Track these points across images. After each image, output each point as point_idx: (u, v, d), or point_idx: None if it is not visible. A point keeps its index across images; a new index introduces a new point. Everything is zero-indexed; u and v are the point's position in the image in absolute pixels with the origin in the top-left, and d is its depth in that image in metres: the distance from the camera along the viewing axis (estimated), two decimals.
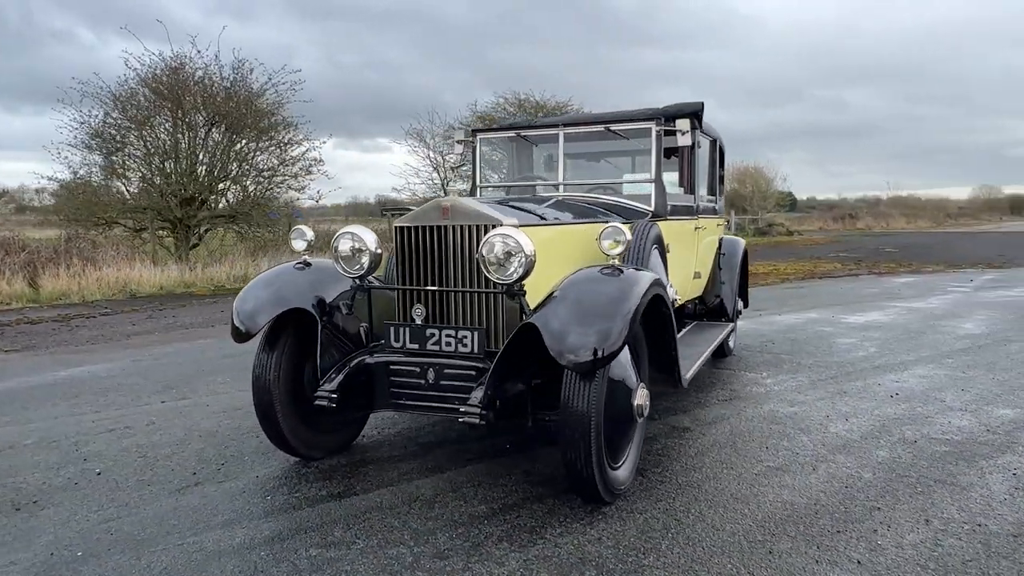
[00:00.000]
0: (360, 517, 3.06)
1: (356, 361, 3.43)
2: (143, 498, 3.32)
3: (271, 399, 3.46)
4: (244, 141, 16.54)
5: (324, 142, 23.66)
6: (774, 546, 2.75)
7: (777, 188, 40.96)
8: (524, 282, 3.11)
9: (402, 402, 3.36)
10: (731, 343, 6.26)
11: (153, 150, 15.84)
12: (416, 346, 3.34)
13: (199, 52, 16.36)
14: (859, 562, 2.62)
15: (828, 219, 46.54)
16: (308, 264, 3.74)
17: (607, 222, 3.75)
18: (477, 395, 3.03)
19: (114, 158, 15.73)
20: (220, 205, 17.00)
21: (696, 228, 5.41)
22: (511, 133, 5.45)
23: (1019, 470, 3.51)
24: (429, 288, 3.42)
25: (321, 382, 3.37)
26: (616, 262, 3.20)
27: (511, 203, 3.89)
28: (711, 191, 5.97)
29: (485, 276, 3.18)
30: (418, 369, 3.28)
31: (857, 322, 8.20)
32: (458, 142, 5.60)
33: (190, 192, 15.69)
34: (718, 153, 6.09)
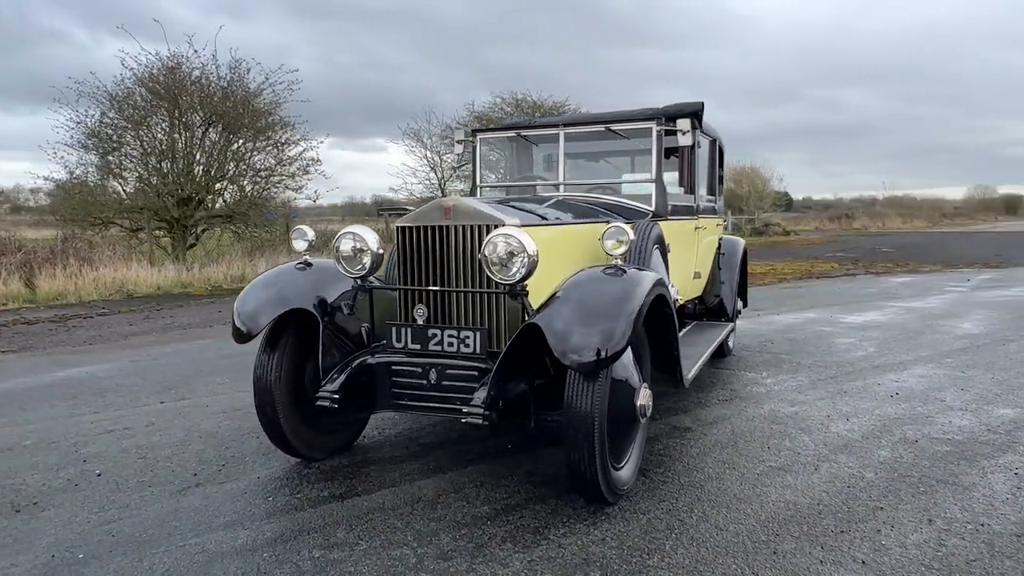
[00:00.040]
0: (363, 518, 3.05)
1: (358, 362, 3.42)
2: (144, 499, 3.30)
3: (272, 400, 3.45)
4: (241, 141, 16.51)
5: (321, 142, 23.63)
6: (778, 546, 2.75)
7: (773, 188, 41.03)
8: (526, 282, 3.11)
9: (404, 403, 3.35)
10: (730, 343, 6.26)
11: (150, 150, 15.80)
12: (418, 346, 3.33)
13: (196, 52, 16.31)
14: (863, 562, 2.62)
15: (824, 219, 46.58)
16: (309, 264, 3.73)
17: (608, 222, 3.74)
18: (480, 396, 3.02)
19: (110, 158, 15.67)
20: (217, 205, 16.96)
21: (696, 228, 5.41)
22: (511, 133, 5.44)
23: (1021, 470, 3.52)
24: (431, 288, 3.41)
25: (323, 383, 3.36)
26: (619, 262, 3.20)
27: (512, 203, 3.88)
28: (711, 191, 5.97)
29: (487, 276, 3.18)
30: (420, 369, 3.27)
31: (856, 322, 8.21)
32: (458, 142, 5.59)
33: (187, 192, 15.65)
34: (718, 153, 6.09)
